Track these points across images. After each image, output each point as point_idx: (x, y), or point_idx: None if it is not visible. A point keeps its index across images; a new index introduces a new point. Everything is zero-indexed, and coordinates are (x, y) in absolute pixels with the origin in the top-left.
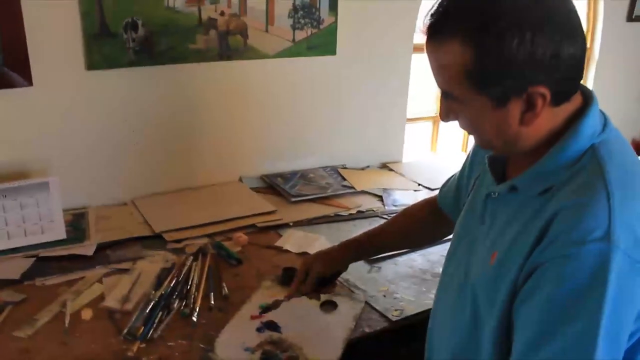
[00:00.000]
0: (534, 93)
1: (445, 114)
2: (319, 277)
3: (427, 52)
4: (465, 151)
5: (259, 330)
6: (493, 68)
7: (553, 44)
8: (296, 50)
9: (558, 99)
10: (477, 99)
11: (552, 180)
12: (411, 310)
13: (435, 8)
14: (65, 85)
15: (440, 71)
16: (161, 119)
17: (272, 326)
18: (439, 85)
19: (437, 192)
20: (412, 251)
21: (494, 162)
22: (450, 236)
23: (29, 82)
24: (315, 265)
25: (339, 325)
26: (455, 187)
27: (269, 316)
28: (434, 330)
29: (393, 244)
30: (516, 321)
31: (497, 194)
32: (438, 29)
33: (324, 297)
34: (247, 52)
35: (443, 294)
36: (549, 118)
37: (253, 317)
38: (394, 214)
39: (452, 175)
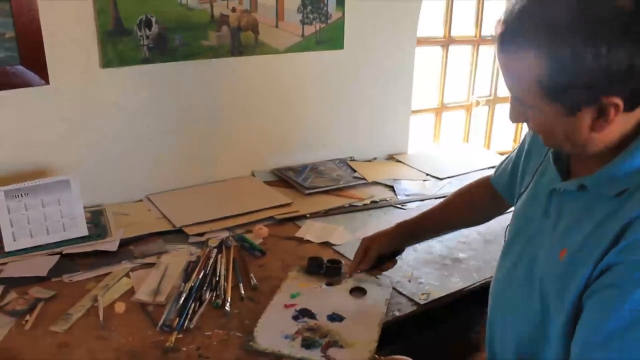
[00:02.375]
0: (607, 103)
1: (515, 117)
2: (378, 256)
3: (500, 59)
4: (467, 141)
5: (295, 318)
6: (566, 80)
7: (628, 56)
8: (305, 45)
9: (631, 106)
10: (549, 106)
11: (625, 183)
12: (437, 294)
13: (508, 16)
14: (80, 83)
15: (513, 79)
16: (175, 115)
17: (307, 313)
18: (511, 91)
19: (446, 181)
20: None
21: (558, 157)
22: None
23: (46, 81)
24: (374, 244)
25: (372, 309)
26: (510, 170)
27: (302, 304)
28: (496, 323)
29: (449, 224)
30: (584, 313)
31: (561, 190)
32: (512, 39)
33: (353, 283)
34: (258, 48)
35: (505, 285)
36: (621, 123)
37: (287, 306)
38: (452, 194)
39: (507, 157)
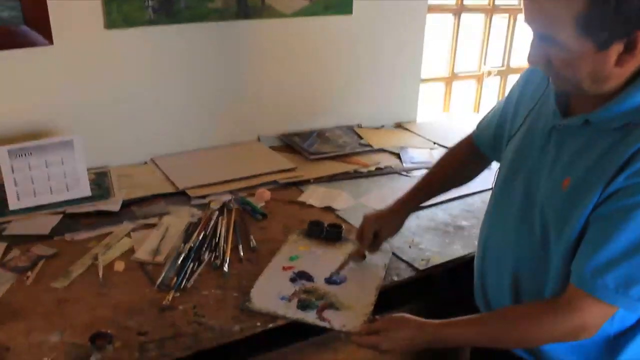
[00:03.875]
0: (636, 37)
1: (536, 57)
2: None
3: None
4: (478, 112)
5: (292, 280)
6: (606, 15)
7: None
8: (313, 9)
9: None
10: (578, 42)
11: (629, 117)
12: (437, 260)
13: None
14: (84, 44)
15: (546, 14)
16: (179, 78)
17: (305, 276)
18: (538, 28)
19: None
20: (433, 205)
21: (559, 97)
22: None
23: (50, 41)
24: (384, 229)
25: (370, 274)
26: (495, 126)
27: (301, 267)
28: (489, 270)
29: (440, 189)
30: (589, 235)
31: (562, 127)
32: None
33: (352, 248)
34: (264, 11)
35: (499, 223)
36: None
37: (285, 269)
38: (439, 159)
39: (487, 115)
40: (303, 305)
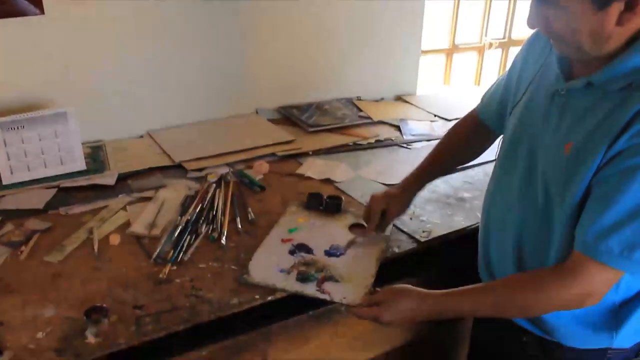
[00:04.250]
0: None
1: (535, 21)
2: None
3: None
4: (479, 84)
5: (291, 253)
6: None
7: None
8: None
9: None
10: (579, 4)
11: (632, 78)
12: (439, 231)
13: None
14: (76, 14)
15: None
16: (176, 50)
17: (304, 248)
18: None
19: (454, 122)
20: None
21: (561, 62)
22: None
23: (41, 10)
24: (392, 209)
25: (371, 246)
26: (499, 98)
27: (300, 239)
28: (492, 236)
29: (447, 167)
30: (592, 199)
31: (565, 91)
32: None
33: (352, 219)
34: None
35: (502, 192)
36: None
37: (284, 241)
38: (445, 136)
39: (490, 88)
40: (302, 278)
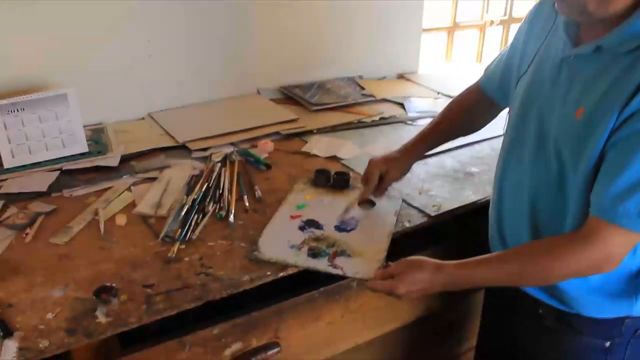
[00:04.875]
0: None
1: None
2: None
3: None
4: (481, 62)
5: (301, 229)
6: None
7: None
8: None
9: None
10: None
11: None
12: (449, 205)
13: None
14: None
15: None
16: (176, 30)
17: (314, 224)
18: None
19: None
20: (442, 153)
21: (568, 29)
22: None
23: None
24: (390, 172)
25: (381, 221)
26: (502, 70)
27: (309, 215)
28: (504, 202)
29: (448, 136)
30: (607, 162)
31: (573, 57)
32: None
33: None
34: None
35: (514, 164)
36: None
37: (293, 217)
38: (447, 105)
39: (494, 60)
40: (314, 254)
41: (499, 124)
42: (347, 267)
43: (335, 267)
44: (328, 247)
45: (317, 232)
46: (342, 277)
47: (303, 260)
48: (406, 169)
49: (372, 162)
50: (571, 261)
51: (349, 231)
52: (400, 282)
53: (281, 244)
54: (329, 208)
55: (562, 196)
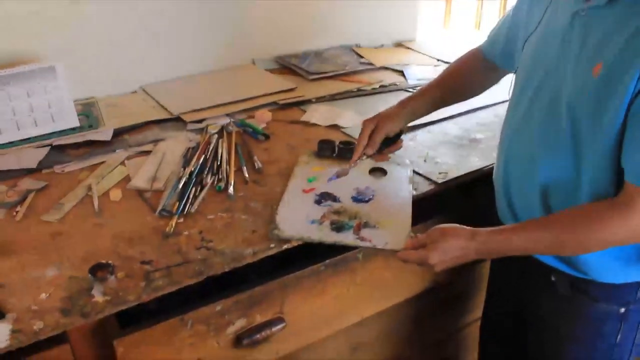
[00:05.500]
0: None
1: None
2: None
3: None
4: (479, 28)
5: (317, 202)
6: None
7: None
8: None
9: None
10: None
11: None
12: (455, 172)
13: None
14: None
15: None
16: (168, 0)
17: (330, 197)
18: None
19: None
20: (445, 120)
21: None
22: None
23: None
24: (380, 126)
25: (396, 188)
26: (507, 32)
27: (322, 188)
28: (511, 169)
29: (447, 99)
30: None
31: (585, 10)
32: None
33: (371, 164)
34: None
35: (522, 130)
36: None
37: (306, 191)
38: (445, 69)
39: (497, 24)
40: (337, 227)
41: (501, 90)
42: (375, 238)
43: (362, 239)
44: (350, 219)
45: (336, 205)
46: (352, 248)
47: (328, 235)
48: (399, 122)
49: (363, 122)
50: (612, 230)
51: (367, 201)
52: (433, 251)
53: (300, 220)
54: (341, 179)
55: (577, 162)
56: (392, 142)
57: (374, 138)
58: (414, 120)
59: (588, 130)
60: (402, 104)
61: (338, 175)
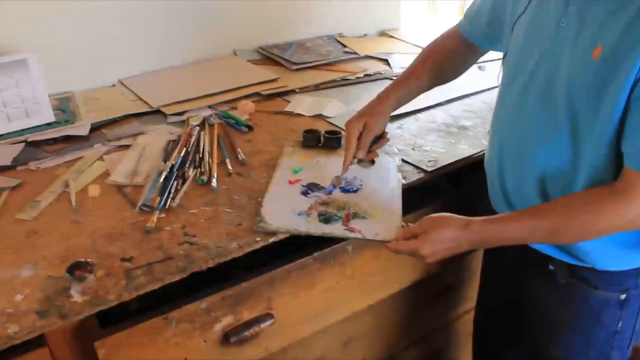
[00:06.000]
0: None
1: None
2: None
3: None
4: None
5: (304, 194)
6: None
7: None
8: None
9: None
10: None
11: None
12: (445, 160)
13: None
14: None
15: None
16: None
17: (317, 187)
18: None
19: None
20: (432, 107)
21: None
22: None
23: None
24: (369, 127)
25: (384, 178)
26: (490, 11)
27: (308, 178)
28: (505, 157)
29: (427, 84)
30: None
31: None
32: None
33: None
34: None
35: (515, 117)
36: None
37: (292, 182)
38: (421, 52)
39: (475, 2)
40: (326, 219)
41: (488, 77)
42: (365, 229)
43: (352, 230)
44: (339, 210)
45: (322, 196)
46: (341, 240)
47: (316, 227)
48: (387, 118)
49: (347, 124)
50: (612, 217)
51: (355, 192)
52: (425, 242)
53: (286, 211)
54: (326, 169)
55: (574, 147)
56: (378, 137)
57: (364, 140)
58: (398, 108)
59: (587, 114)
60: (385, 96)
61: (334, 186)
